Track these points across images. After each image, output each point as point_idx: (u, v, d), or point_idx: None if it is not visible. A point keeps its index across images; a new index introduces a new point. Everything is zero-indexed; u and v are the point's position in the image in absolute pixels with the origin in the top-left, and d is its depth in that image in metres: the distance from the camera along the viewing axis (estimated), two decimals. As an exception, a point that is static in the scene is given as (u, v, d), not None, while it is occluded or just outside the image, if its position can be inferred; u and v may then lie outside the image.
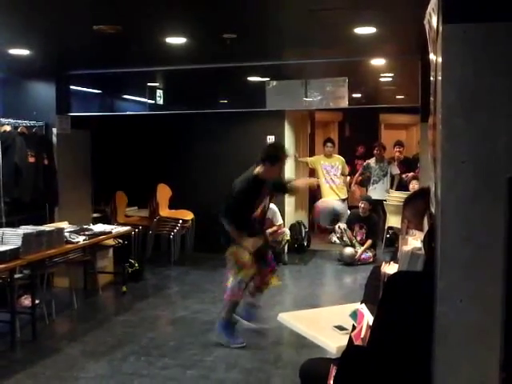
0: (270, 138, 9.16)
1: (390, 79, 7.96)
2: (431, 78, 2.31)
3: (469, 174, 1.68)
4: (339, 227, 8.85)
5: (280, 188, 5.60)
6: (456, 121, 1.71)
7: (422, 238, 2.16)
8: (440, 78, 1.77)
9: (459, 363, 1.72)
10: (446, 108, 1.73)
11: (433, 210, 2.05)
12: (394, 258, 2.51)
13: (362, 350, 2.14)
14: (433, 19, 2.19)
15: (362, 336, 2.22)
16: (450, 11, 1.73)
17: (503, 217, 1.60)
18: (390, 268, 2.32)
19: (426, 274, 1.89)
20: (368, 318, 2.31)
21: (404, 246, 2.12)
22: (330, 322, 3.79)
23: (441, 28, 1.76)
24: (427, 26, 2.50)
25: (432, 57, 2.30)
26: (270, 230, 8.41)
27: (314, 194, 10.95)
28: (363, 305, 2.51)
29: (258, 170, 5.13)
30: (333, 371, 2.39)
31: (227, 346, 5.18)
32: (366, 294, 2.83)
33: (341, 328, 3.55)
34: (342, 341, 3.16)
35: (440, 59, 1.78)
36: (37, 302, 5.62)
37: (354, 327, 2.56)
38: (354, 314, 2.50)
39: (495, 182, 1.64)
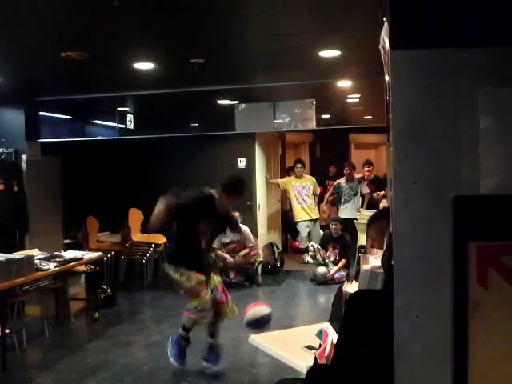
0: (241, 161, 9.23)
1: (357, 100, 8.11)
2: (387, 98, 2.39)
3: (420, 194, 1.74)
4: (312, 246, 8.93)
5: (224, 221, 5.34)
6: (407, 143, 1.77)
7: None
8: (391, 101, 1.84)
9: (417, 377, 1.77)
10: (397, 131, 1.79)
11: (391, 228, 2.11)
12: (356, 277, 2.56)
13: (325, 368, 2.18)
14: (386, 43, 2.26)
15: (325, 355, 2.26)
16: (398, 38, 1.81)
17: (451, 234, 1.67)
18: (351, 287, 2.38)
19: (385, 292, 1.93)
20: (332, 337, 2.35)
21: (364, 265, 2.18)
22: (300, 342, 3.83)
23: (390, 54, 1.83)
24: (382, 51, 2.58)
25: (387, 79, 2.37)
26: (242, 252, 8.47)
27: (287, 214, 11.04)
28: (328, 324, 2.56)
29: (214, 192, 4.96)
30: (300, 391, 2.42)
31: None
32: (332, 313, 2.87)
33: (311, 348, 3.60)
34: (311, 360, 3.20)
35: (390, 83, 1.85)
36: (7, 331, 5.54)
37: (320, 346, 2.60)
38: (320, 334, 2.54)
39: (444, 202, 1.70)
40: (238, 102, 7.60)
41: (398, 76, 1.82)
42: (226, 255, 8.38)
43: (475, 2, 1.77)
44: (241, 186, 5.12)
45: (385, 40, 2.32)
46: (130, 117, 8.34)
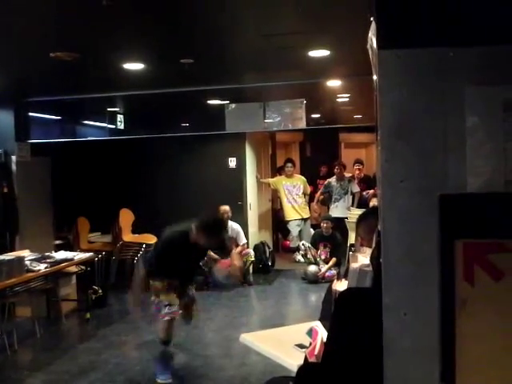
0: (232, 161, 9.25)
1: (347, 99, 8.13)
2: (375, 98, 2.40)
3: (407, 193, 1.76)
4: (303, 245, 8.96)
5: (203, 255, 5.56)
6: (394, 142, 1.78)
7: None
8: (379, 100, 1.85)
9: (406, 374, 1.79)
10: (385, 130, 1.81)
11: (379, 227, 2.12)
12: (346, 275, 2.58)
13: (315, 366, 2.19)
14: (374, 43, 2.28)
15: (315, 353, 2.27)
16: (385, 37, 1.82)
17: (437, 232, 1.68)
18: (340, 285, 2.39)
19: (374, 290, 1.95)
20: (323, 335, 2.37)
21: (353, 263, 2.19)
22: (291, 341, 3.85)
23: (377, 53, 1.84)
24: (370, 50, 2.59)
25: (375, 78, 2.39)
26: (237, 250, 8.45)
27: (278, 213, 11.06)
28: (318, 322, 2.57)
29: (193, 234, 4.80)
30: (290, 389, 2.44)
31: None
32: (322, 312, 2.89)
33: (301, 346, 3.61)
34: (302, 359, 3.21)
35: (378, 83, 1.86)
36: (-3, 332, 5.54)
37: (310, 344, 2.62)
38: (310, 332, 2.55)
39: (431, 200, 1.72)
40: (228, 101, 7.60)
41: (385, 75, 1.83)
42: (217, 256, 8.35)
43: (462, 1, 1.79)
44: (216, 229, 4.96)
45: (372, 40, 2.34)
46: (120, 117, 8.32)
